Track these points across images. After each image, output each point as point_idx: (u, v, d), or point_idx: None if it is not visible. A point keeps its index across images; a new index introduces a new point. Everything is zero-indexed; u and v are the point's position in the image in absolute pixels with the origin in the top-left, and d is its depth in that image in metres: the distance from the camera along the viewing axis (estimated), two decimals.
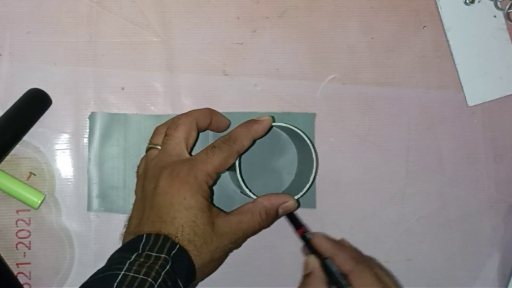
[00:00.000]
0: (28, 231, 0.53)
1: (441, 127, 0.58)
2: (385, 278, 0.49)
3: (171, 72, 0.55)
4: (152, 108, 0.55)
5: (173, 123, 0.49)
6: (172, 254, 0.42)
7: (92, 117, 0.54)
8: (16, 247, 0.52)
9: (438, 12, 0.59)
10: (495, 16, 0.59)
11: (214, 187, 0.50)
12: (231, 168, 0.49)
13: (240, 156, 0.49)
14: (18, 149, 0.53)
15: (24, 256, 0.53)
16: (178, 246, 0.42)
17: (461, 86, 0.59)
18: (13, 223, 0.53)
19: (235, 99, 0.56)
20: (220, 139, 0.48)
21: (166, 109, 0.55)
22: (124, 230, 0.47)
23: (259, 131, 0.50)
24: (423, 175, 0.57)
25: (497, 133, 0.59)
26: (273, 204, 0.49)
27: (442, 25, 0.59)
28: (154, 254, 0.41)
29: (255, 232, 0.49)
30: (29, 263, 0.53)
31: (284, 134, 0.56)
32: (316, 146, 0.53)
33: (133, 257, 0.41)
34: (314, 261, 0.50)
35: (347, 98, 0.57)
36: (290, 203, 0.50)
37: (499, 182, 0.59)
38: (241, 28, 0.56)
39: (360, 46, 0.58)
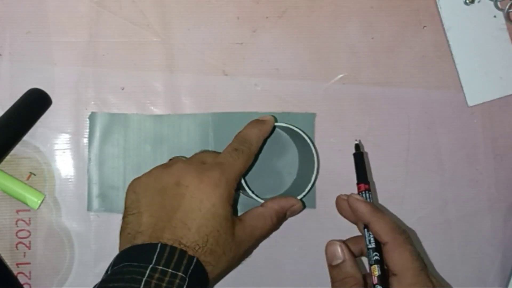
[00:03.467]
0: (28, 231, 0.53)
1: (441, 127, 0.58)
2: (419, 256, 0.45)
3: (171, 72, 0.55)
4: (152, 108, 0.55)
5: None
6: (189, 272, 0.40)
7: (92, 117, 0.54)
8: (16, 247, 0.52)
9: (438, 12, 0.59)
10: (495, 16, 0.59)
11: None
12: None
13: None
14: (18, 149, 0.53)
15: (24, 256, 0.53)
16: (195, 261, 0.40)
17: (461, 86, 0.59)
18: (13, 223, 0.53)
19: (235, 99, 0.56)
20: (237, 141, 0.48)
21: (166, 109, 0.55)
22: (126, 219, 0.44)
23: (267, 130, 0.50)
24: (423, 175, 0.57)
25: (497, 133, 0.59)
26: (283, 208, 0.49)
27: (442, 25, 0.59)
28: (170, 270, 0.39)
29: (265, 237, 0.49)
30: (29, 263, 0.53)
31: (284, 134, 0.56)
32: (316, 146, 0.53)
33: (147, 272, 0.39)
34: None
35: (347, 98, 0.57)
36: (297, 206, 0.50)
37: (499, 182, 0.59)
38: (241, 28, 0.56)
39: (360, 46, 0.58)
